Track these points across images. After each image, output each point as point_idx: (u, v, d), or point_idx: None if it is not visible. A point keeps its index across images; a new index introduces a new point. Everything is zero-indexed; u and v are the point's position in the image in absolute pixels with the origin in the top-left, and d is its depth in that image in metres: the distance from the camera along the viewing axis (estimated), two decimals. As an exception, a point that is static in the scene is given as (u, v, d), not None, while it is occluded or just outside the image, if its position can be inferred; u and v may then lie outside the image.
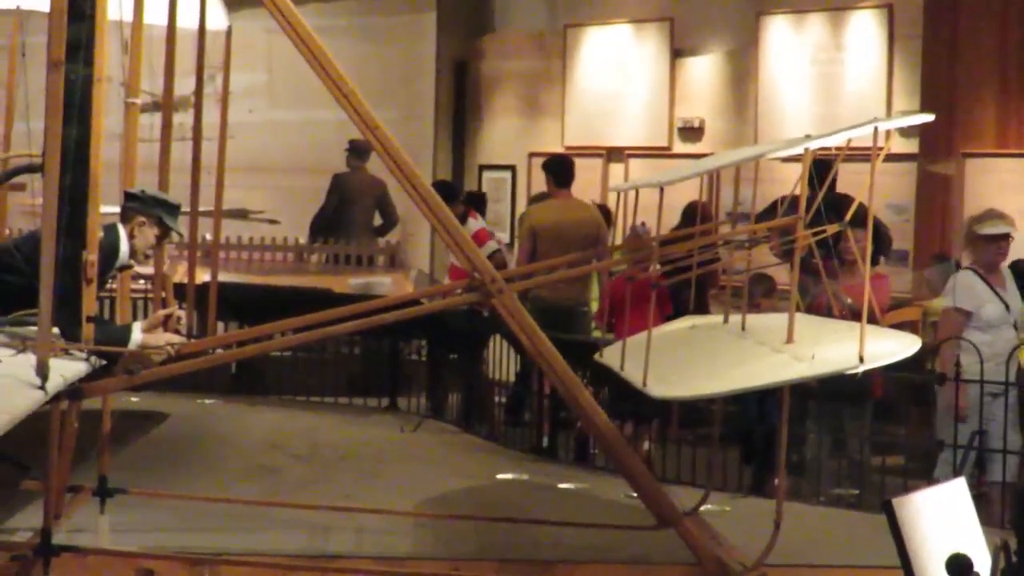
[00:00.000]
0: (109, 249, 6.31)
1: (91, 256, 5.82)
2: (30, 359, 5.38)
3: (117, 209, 6.61)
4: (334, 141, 13.61)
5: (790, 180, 8.42)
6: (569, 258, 8.29)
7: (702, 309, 9.26)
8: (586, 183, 12.81)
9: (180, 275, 8.50)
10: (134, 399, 10.03)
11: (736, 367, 5.77)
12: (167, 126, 7.10)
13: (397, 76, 14.60)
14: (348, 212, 13.81)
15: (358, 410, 11.31)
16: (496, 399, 11.12)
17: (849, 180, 7.10)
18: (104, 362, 6.13)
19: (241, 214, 13.39)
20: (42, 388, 5.30)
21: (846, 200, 6.55)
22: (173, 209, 6.63)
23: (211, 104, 7.67)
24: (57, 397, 5.70)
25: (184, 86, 7.42)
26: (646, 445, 9.47)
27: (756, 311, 7.53)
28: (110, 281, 6.94)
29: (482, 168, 14.70)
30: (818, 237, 5.80)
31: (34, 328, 5.50)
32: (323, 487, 8.32)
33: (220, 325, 8.85)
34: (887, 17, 11.56)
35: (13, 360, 5.53)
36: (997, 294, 8.54)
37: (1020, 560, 3.73)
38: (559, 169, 10.98)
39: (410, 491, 8.24)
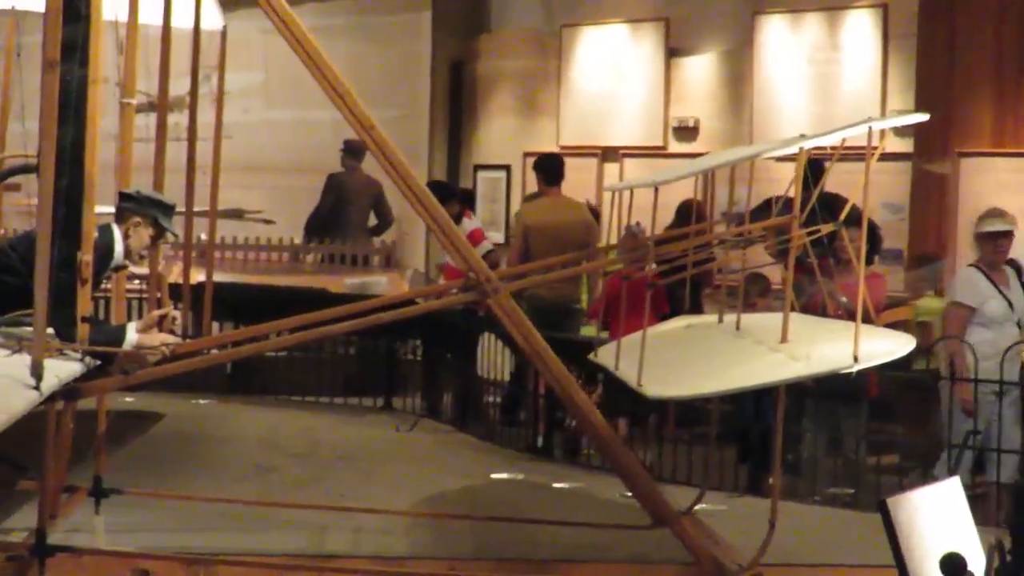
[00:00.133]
0: (104, 249, 6.31)
1: (86, 256, 5.81)
2: (25, 359, 5.37)
3: (112, 209, 6.61)
4: (330, 141, 13.61)
5: (785, 180, 8.42)
6: (564, 258, 8.30)
7: (696, 309, 9.27)
8: (581, 183, 12.82)
9: (175, 275, 8.49)
10: (129, 399, 10.04)
11: (731, 367, 5.77)
12: (162, 126, 7.09)
13: (393, 76, 14.58)
14: (344, 212, 13.81)
15: (354, 410, 11.32)
16: (491, 398, 11.13)
17: (844, 179, 7.10)
18: (99, 362, 6.12)
19: (236, 214, 13.38)
20: (37, 388, 5.30)
21: (838, 200, 6.55)
22: (168, 209, 6.63)
23: (206, 104, 7.66)
24: (52, 397, 5.69)
25: (179, 86, 7.42)
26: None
27: (752, 311, 7.54)
28: (105, 281, 6.94)
29: (477, 168, 14.69)
30: (813, 237, 5.80)
31: (29, 328, 5.49)
32: (319, 487, 8.33)
33: (215, 325, 8.83)
34: (882, 17, 11.58)
35: (8, 360, 5.52)
36: (1000, 291, 8.56)
37: (1015, 559, 3.73)
38: (548, 167, 11.02)
39: (406, 490, 8.25)
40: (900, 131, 10.92)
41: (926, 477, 8.01)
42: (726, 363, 5.87)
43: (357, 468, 9.01)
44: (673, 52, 13.15)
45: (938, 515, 3.96)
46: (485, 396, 11.16)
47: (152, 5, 6.91)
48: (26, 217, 9.42)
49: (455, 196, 11.25)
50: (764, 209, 7.07)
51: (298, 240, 13.99)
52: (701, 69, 13.05)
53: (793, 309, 5.72)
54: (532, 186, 11.89)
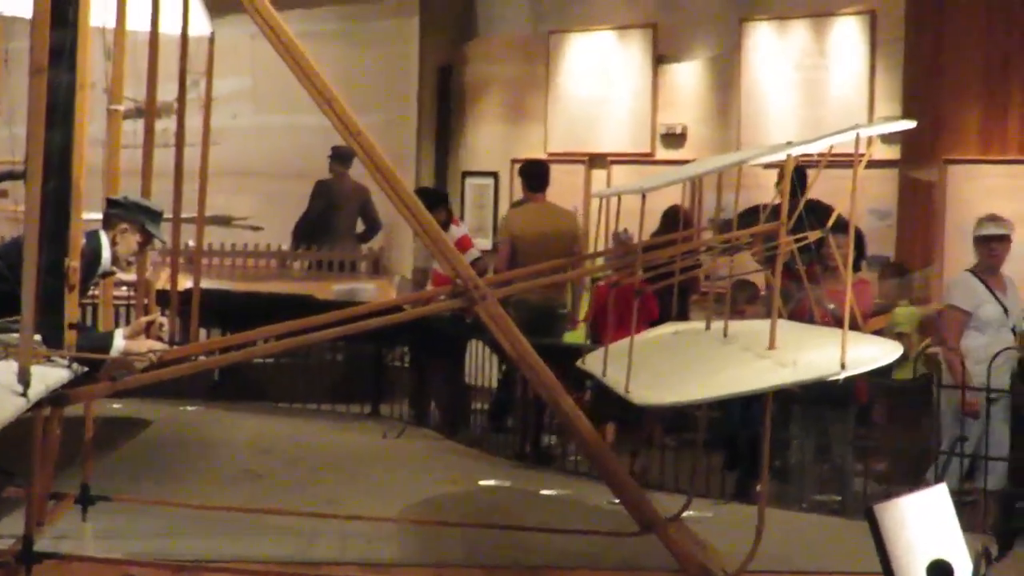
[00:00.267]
0: (91, 256, 6.31)
1: (73, 263, 5.82)
2: (12, 366, 5.37)
3: (100, 216, 6.61)
4: (317, 147, 13.59)
5: (773, 186, 8.43)
6: (552, 263, 8.32)
7: (683, 315, 9.29)
8: (569, 189, 12.82)
9: (163, 282, 8.50)
10: (116, 406, 10.02)
11: (719, 373, 5.78)
12: (150, 132, 7.09)
13: (380, 81, 14.57)
14: (331, 218, 13.80)
15: (341, 416, 11.32)
16: (479, 405, 11.14)
17: (831, 186, 7.12)
18: (87, 369, 6.12)
19: (224, 220, 13.38)
20: (24, 395, 5.30)
21: (821, 206, 6.57)
22: (156, 215, 6.64)
23: (194, 110, 7.66)
24: (40, 404, 5.70)
25: (167, 92, 7.42)
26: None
27: (740, 318, 7.55)
28: (93, 288, 6.94)
29: (465, 174, 14.69)
30: (800, 243, 5.82)
31: (16, 335, 5.49)
32: (306, 493, 8.32)
33: (202, 332, 8.83)
34: (870, 23, 11.59)
35: (-5, 367, 5.53)
36: (995, 296, 8.58)
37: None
38: (533, 174, 11.06)
39: (394, 497, 8.25)
40: (887, 138, 10.94)
41: (914, 483, 8.03)
42: (713, 369, 5.88)
43: (344, 475, 9.01)
44: (661, 59, 13.15)
45: (926, 522, 3.97)
46: (473, 403, 11.17)
47: (140, 11, 6.91)
48: (14, 223, 9.43)
49: (443, 202, 11.27)
50: (752, 213, 7.09)
51: (286, 246, 13.97)
52: (689, 75, 13.06)
53: (780, 316, 5.74)
54: (520, 193, 11.90)
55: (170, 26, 7.12)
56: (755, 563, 6.11)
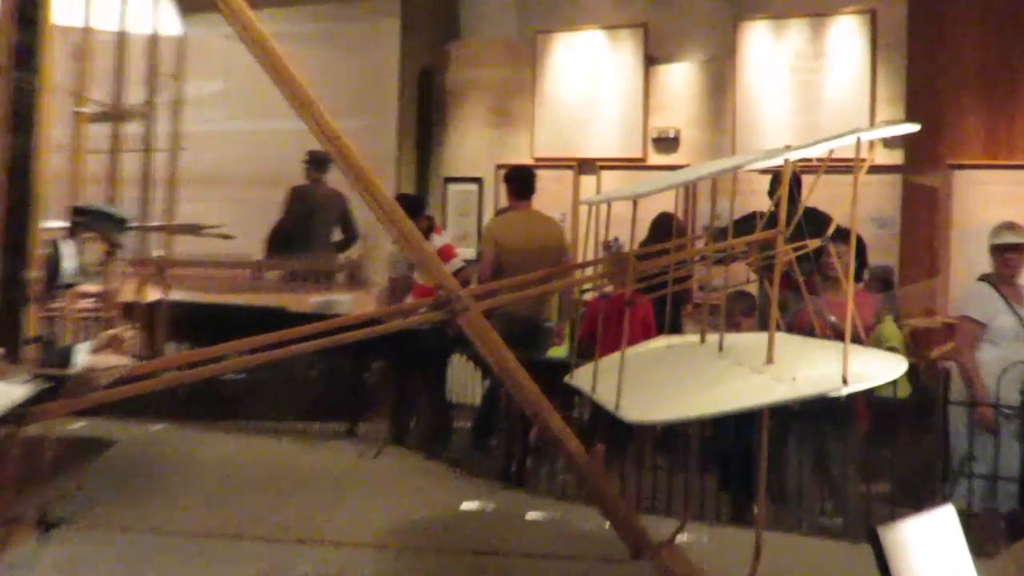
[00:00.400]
0: (53, 266, 6.28)
1: (33, 274, 5.79)
2: (-32, 383, 5.34)
3: (64, 224, 6.58)
4: (293, 152, 13.58)
5: (767, 193, 8.39)
6: (539, 274, 8.30)
7: (676, 328, 9.27)
8: (557, 196, 12.83)
9: (129, 293, 8.46)
10: (79, 425, 9.97)
11: (713, 389, 5.76)
12: (117, 137, 7.08)
13: (359, 84, 14.57)
14: (307, 227, 13.78)
15: (316, 435, 11.28)
16: (462, 423, 11.10)
17: (830, 192, 7.11)
18: (47, 385, 6.08)
19: (194, 229, 13.32)
20: (-20, 413, 5.27)
21: (817, 213, 6.56)
22: (122, 224, 6.61)
23: (163, 114, 7.65)
24: (-2, 422, 5.66)
25: (136, 95, 7.40)
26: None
27: (736, 330, 7.54)
28: (55, 300, 6.91)
29: (448, 180, 14.70)
30: (799, 252, 5.81)
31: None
32: (278, 517, 8.28)
33: (171, 346, 8.80)
34: (870, 23, 11.62)
35: (-49, 384, 5.49)
36: (1011, 307, 8.57)
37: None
38: (519, 180, 11.04)
39: (370, 521, 8.21)
40: (889, 142, 10.97)
41: (919, 505, 8.01)
42: (708, 385, 5.86)
43: (319, 497, 8.97)
44: (652, 60, 13.17)
45: (932, 545, 3.95)
46: (455, 420, 11.14)
47: (107, 10, 6.90)
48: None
49: (423, 210, 11.26)
50: (748, 220, 7.07)
51: (259, 256, 13.95)
52: (681, 78, 13.08)
53: (778, 328, 5.72)
54: (504, 200, 11.89)
55: (139, 25, 7.10)
56: (752, 589, 6.10)
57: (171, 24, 7.61)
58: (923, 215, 11.13)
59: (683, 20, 13.15)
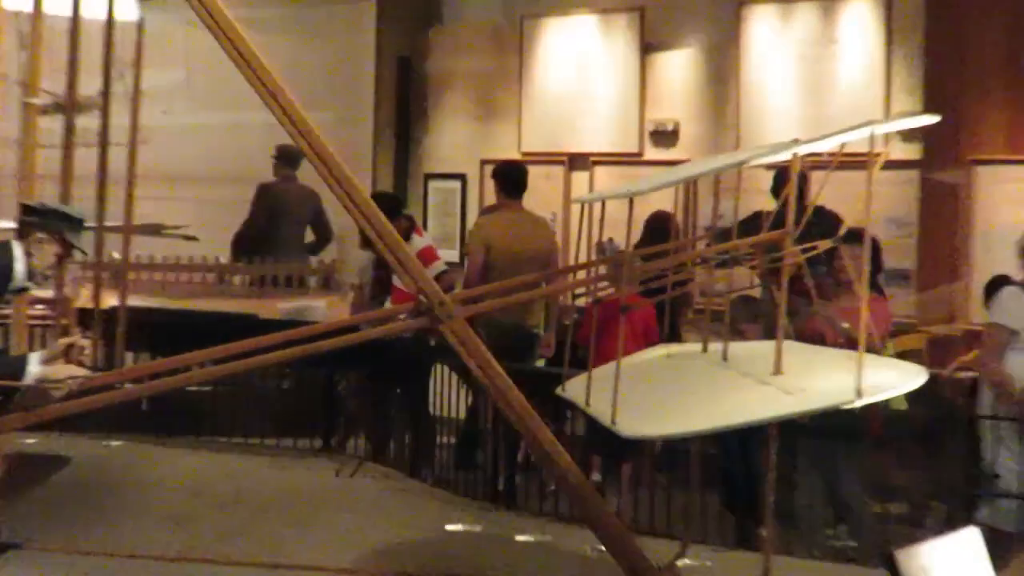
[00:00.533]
0: (2, 270, 6.28)
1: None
2: (-88, 396, 5.34)
3: (13, 224, 6.57)
4: (260, 147, 13.58)
5: (768, 192, 8.41)
6: (528, 278, 8.31)
7: (675, 336, 9.28)
8: (546, 194, 12.84)
9: (84, 299, 8.45)
10: (31, 440, 9.97)
11: (717, 401, 5.77)
12: (70, 130, 7.07)
13: (332, 74, 14.59)
14: (276, 227, 13.78)
15: (288, 452, 11.28)
16: (445, 439, 11.11)
17: (842, 190, 7.14)
18: (-3, 398, 6.08)
19: (154, 229, 13.31)
20: (-74, 429, 5.26)
21: (828, 213, 6.58)
22: (77, 224, 6.60)
23: (121, 105, 7.64)
24: (-57, 439, 5.66)
25: (90, 85, 7.40)
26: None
27: (740, 338, 7.55)
28: (4, 306, 6.91)
29: (429, 177, 14.71)
30: (809, 255, 5.82)
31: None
32: (247, 540, 8.28)
33: (130, 356, 8.80)
34: (885, 7, 11.63)
35: None
36: None
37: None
38: (510, 177, 11.04)
39: (347, 544, 8.22)
40: (906, 136, 10.98)
41: (940, 526, 8.03)
42: (711, 397, 5.88)
43: (291, 518, 8.97)
44: (649, 47, 13.19)
45: (955, 570, 3.96)
46: (438, 436, 11.15)
47: (59, -8, 6.91)
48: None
49: (403, 209, 11.26)
50: (753, 221, 7.09)
51: (225, 259, 13.94)
52: (680, 66, 13.09)
53: (787, 336, 5.73)
54: (490, 197, 11.90)
55: (93, 11, 7.10)
56: (759, 617, 6.12)
57: (128, 9, 7.61)
58: (943, 215, 11.14)
59: (682, 4, 13.16)
